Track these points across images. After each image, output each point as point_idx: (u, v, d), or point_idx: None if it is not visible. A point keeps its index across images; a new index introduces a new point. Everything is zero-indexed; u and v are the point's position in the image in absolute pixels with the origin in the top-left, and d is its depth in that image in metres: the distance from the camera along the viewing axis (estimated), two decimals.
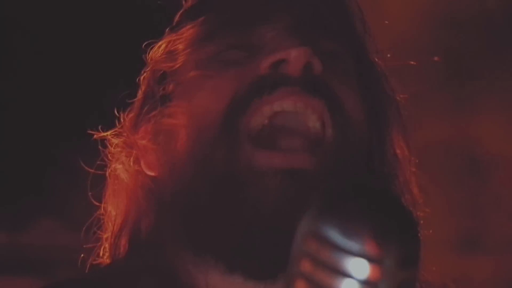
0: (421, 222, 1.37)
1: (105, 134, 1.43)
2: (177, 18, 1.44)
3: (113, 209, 1.41)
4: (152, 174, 1.37)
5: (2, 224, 2.97)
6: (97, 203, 1.44)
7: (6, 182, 2.79)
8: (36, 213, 2.95)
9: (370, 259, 0.91)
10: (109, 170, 1.42)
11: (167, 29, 1.43)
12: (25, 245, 3.00)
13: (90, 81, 2.56)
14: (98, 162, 1.44)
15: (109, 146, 1.42)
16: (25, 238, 2.99)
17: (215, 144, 1.27)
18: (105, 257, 1.42)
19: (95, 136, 1.43)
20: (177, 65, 1.38)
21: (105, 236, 1.43)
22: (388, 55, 1.44)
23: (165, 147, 1.35)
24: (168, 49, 1.39)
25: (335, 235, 0.93)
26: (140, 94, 1.44)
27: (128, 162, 1.39)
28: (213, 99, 1.30)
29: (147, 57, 1.43)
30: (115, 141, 1.42)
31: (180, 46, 1.38)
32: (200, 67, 1.34)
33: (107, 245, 1.42)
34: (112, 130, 1.43)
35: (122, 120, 1.42)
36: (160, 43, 1.41)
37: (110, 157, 1.42)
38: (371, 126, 1.36)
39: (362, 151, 1.31)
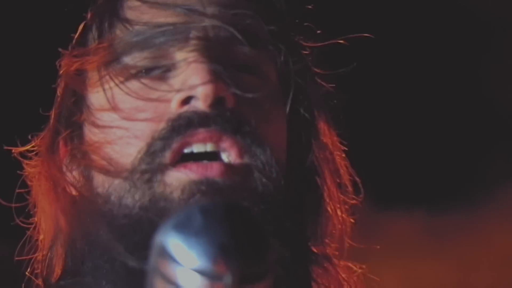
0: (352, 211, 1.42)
1: (21, 149, 1.44)
2: (81, 29, 1.46)
3: (42, 230, 1.42)
4: (72, 193, 1.39)
5: None
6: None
7: None
8: None
9: (207, 275, 0.96)
10: (32, 190, 1.43)
11: (73, 40, 1.45)
12: None
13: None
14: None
15: (26, 163, 1.44)
16: None
17: (131, 185, 1.31)
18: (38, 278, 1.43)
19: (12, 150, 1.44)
20: (88, 89, 1.40)
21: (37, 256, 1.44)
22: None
23: (83, 175, 1.38)
24: (78, 66, 1.40)
25: (178, 252, 0.97)
26: (55, 110, 1.45)
27: (47, 183, 1.40)
28: (130, 142, 1.32)
29: (60, 65, 1.45)
30: (32, 160, 1.43)
31: (90, 67, 1.39)
32: (113, 100, 1.35)
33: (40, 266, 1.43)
34: (29, 146, 1.44)
35: (38, 137, 1.44)
36: (70, 53, 1.42)
37: (28, 176, 1.43)
38: (296, 141, 1.40)
39: (280, 171, 1.33)
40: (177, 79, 1.34)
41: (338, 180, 1.43)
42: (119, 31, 1.38)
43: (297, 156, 1.40)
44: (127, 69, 1.36)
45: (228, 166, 1.30)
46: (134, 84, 1.35)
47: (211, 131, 1.30)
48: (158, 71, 1.35)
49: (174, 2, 1.37)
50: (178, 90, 1.32)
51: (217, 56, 1.33)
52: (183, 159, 1.31)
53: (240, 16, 1.36)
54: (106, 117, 1.36)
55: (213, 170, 1.29)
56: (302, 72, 1.42)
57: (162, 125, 1.31)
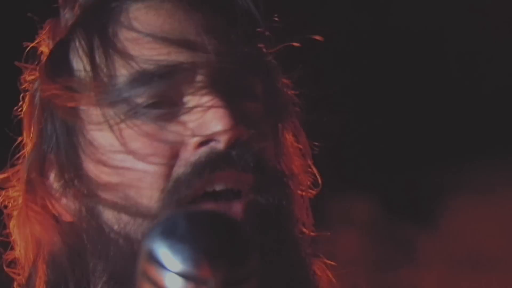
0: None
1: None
2: (54, 45, 1.42)
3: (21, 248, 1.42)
4: (66, 220, 1.39)
5: None
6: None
7: None
8: None
9: (193, 280, 1.00)
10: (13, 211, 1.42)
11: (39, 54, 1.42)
12: None
13: None
14: None
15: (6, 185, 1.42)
16: None
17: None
18: None
19: None
20: (89, 126, 1.37)
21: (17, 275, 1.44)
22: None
23: (84, 207, 1.37)
24: (75, 103, 1.37)
25: (164, 257, 1.02)
26: (33, 127, 1.42)
27: (34, 207, 1.39)
28: (150, 184, 1.31)
29: (26, 82, 1.43)
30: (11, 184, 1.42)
31: (90, 104, 1.36)
32: (123, 141, 1.33)
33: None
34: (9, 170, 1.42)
35: (18, 160, 1.42)
36: (49, 76, 1.39)
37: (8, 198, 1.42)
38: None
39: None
40: (193, 121, 1.33)
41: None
42: (118, 66, 1.36)
43: None
44: (134, 108, 1.33)
45: (249, 204, 1.32)
46: (144, 124, 1.33)
47: (231, 171, 1.31)
48: (168, 110, 1.34)
49: (172, 35, 1.35)
50: (196, 133, 1.32)
51: (228, 93, 1.34)
52: (203, 197, 1.32)
53: (238, 45, 1.38)
54: (118, 158, 1.33)
55: (234, 210, 1.31)
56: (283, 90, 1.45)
57: (181, 167, 1.31)
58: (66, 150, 1.38)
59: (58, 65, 1.41)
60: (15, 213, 1.42)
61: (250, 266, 1.05)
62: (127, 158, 1.33)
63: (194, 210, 1.07)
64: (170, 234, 1.03)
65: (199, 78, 1.34)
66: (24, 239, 1.41)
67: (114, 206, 1.33)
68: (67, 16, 1.43)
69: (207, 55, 1.34)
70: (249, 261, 1.05)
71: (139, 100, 1.33)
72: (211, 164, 1.30)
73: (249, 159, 1.31)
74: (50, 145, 1.40)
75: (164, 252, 1.02)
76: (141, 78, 1.33)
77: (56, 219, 1.40)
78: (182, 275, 1.01)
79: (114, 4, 1.39)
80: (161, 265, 1.02)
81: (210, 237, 1.03)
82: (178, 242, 1.02)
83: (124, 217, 1.33)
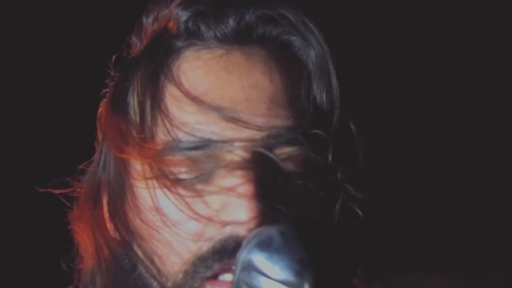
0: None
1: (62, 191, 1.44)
2: (118, 83, 1.40)
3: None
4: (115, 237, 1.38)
5: None
6: None
7: None
8: None
9: (291, 285, 1.17)
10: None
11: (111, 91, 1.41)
12: None
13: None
14: None
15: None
16: None
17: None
18: None
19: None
20: (133, 176, 1.35)
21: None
22: None
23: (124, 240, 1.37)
24: (116, 120, 1.36)
25: (263, 266, 1.18)
26: (96, 160, 1.42)
27: (88, 230, 1.40)
28: (175, 251, 1.30)
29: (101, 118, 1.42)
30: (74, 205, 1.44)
31: (127, 132, 1.34)
32: (157, 202, 1.31)
33: None
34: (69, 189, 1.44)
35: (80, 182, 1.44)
36: (111, 113, 1.38)
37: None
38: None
39: None
40: (220, 200, 1.30)
41: None
42: (160, 123, 1.32)
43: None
44: (167, 175, 1.30)
45: None
46: (175, 192, 1.30)
47: None
48: (195, 181, 1.30)
49: (220, 103, 1.29)
50: (220, 213, 1.29)
51: (261, 177, 1.28)
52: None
53: (286, 126, 1.31)
54: (150, 216, 1.32)
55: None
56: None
57: (206, 244, 1.30)
58: (114, 185, 1.38)
59: (119, 99, 1.39)
60: (74, 212, 1.44)
61: (333, 272, 1.23)
62: (158, 219, 1.31)
63: (284, 225, 1.23)
64: (267, 246, 1.20)
65: (234, 157, 1.29)
66: (82, 244, 1.42)
67: (139, 259, 1.34)
68: (137, 44, 1.41)
69: (250, 132, 1.28)
70: (331, 268, 1.23)
71: (173, 169, 1.30)
72: (231, 252, 1.28)
73: None
74: (104, 172, 1.41)
75: (263, 262, 1.19)
76: (175, 146, 1.29)
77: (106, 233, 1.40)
78: (282, 282, 1.18)
79: (177, 43, 1.36)
80: (263, 274, 1.19)
81: (302, 248, 1.20)
82: (275, 253, 1.19)
83: (145, 273, 1.34)
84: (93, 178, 1.42)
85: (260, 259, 1.20)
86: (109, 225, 1.39)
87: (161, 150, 1.29)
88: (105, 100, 1.43)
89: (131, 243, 1.36)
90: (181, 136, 1.29)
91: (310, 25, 1.36)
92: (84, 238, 1.40)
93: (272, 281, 1.18)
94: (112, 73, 1.43)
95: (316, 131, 1.32)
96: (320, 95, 1.37)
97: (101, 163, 1.42)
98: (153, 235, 1.32)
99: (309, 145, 1.30)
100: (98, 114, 1.44)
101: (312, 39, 1.36)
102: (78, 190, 1.44)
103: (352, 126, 1.38)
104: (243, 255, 1.21)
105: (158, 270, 1.31)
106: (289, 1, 1.36)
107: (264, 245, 1.20)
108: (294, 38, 1.37)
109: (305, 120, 1.33)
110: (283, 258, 1.18)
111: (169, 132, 1.29)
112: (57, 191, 1.43)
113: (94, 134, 1.45)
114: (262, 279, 1.19)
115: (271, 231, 1.21)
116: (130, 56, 1.42)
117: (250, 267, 1.20)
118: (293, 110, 1.32)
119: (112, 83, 1.43)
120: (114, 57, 1.44)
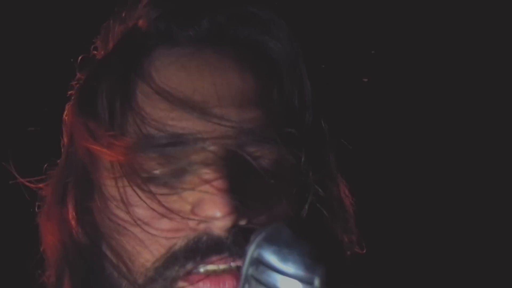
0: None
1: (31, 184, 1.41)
2: (86, 83, 1.36)
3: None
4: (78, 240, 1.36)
5: None
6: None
7: None
8: None
9: (301, 280, 1.14)
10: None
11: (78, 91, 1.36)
12: None
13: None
14: None
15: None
16: None
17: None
18: None
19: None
20: (102, 175, 1.33)
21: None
22: None
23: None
24: (83, 120, 1.32)
25: (273, 260, 1.15)
26: (62, 162, 1.40)
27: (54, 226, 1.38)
28: (146, 249, 1.28)
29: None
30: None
31: (95, 131, 1.30)
32: (127, 201, 1.28)
33: None
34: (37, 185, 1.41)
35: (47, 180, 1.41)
36: (77, 114, 1.34)
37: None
38: None
39: None
40: (193, 196, 1.28)
41: None
42: (131, 120, 1.30)
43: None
44: (138, 173, 1.28)
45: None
46: (146, 190, 1.28)
47: (225, 256, 1.28)
48: (168, 178, 1.29)
49: (191, 99, 1.27)
50: (194, 210, 1.27)
51: (235, 173, 1.27)
52: (194, 272, 1.29)
53: (258, 124, 1.29)
54: (121, 215, 1.30)
55: (226, 284, 1.28)
56: (322, 181, 1.37)
57: (179, 242, 1.28)
58: (81, 185, 1.36)
59: (86, 99, 1.35)
60: (41, 213, 1.41)
61: (342, 268, 1.19)
62: (129, 219, 1.29)
63: (292, 219, 1.20)
64: (276, 240, 1.17)
65: (207, 153, 1.27)
66: (46, 241, 1.40)
67: (107, 259, 1.33)
68: (104, 45, 1.39)
69: (222, 128, 1.27)
70: (341, 264, 1.20)
71: (145, 166, 1.28)
72: (204, 251, 1.27)
73: (244, 244, 1.23)
74: (71, 174, 1.38)
75: (273, 256, 1.16)
76: (146, 142, 1.27)
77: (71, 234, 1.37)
78: (293, 276, 1.15)
79: (147, 41, 1.34)
80: (272, 268, 1.15)
81: (312, 242, 1.17)
82: (285, 247, 1.16)
83: (115, 273, 1.32)
84: (59, 180, 1.39)
85: (269, 253, 1.16)
86: (76, 226, 1.36)
87: (132, 147, 1.27)
88: (71, 102, 1.40)
89: (99, 243, 1.34)
90: (153, 132, 1.27)
91: (282, 25, 1.35)
92: (51, 239, 1.38)
93: (282, 275, 1.15)
94: (78, 75, 1.41)
95: (289, 129, 1.31)
96: (292, 94, 1.36)
97: (67, 165, 1.39)
98: (123, 233, 1.30)
99: (281, 143, 1.29)
100: (64, 116, 1.41)
101: (283, 39, 1.35)
102: (44, 192, 1.41)
103: (324, 126, 1.37)
104: (251, 249, 1.18)
105: (128, 268, 1.29)
106: (261, 1, 1.36)
107: (273, 239, 1.17)
108: (266, 38, 1.36)
109: (278, 119, 1.32)
110: (293, 252, 1.15)
111: (140, 129, 1.27)
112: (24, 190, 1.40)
113: (60, 136, 1.43)
114: (271, 273, 1.15)
115: (280, 224, 1.19)
116: (97, 57, 1.40)
117: (258, 262, 1.17)
118: (265, 109, 1.31)
119: (78, 84, 1.40)
120: (79, 58, 1.41)
